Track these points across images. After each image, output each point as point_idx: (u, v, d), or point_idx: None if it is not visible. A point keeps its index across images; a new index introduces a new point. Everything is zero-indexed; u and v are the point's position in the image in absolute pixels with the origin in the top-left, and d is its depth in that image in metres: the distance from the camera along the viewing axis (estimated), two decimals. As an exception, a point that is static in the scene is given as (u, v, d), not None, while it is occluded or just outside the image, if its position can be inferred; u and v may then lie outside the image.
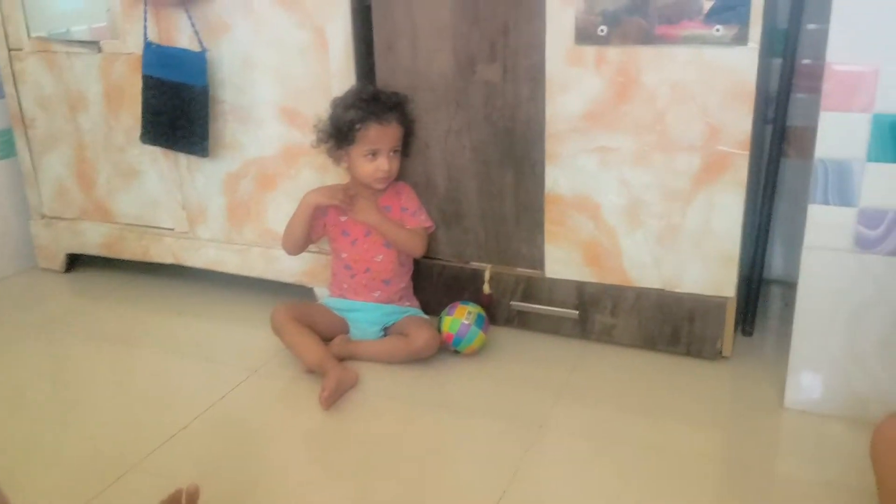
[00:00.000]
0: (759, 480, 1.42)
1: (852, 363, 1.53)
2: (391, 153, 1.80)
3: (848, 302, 1.50)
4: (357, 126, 1.75)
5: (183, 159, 2.08)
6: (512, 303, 1.93)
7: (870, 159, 1.42)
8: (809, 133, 1.47)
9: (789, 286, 1.54)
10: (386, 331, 1.87)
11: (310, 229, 1.86)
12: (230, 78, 1.97)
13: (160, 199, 2.17)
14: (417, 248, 1.89)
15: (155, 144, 2.04)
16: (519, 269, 1.91)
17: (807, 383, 1.58)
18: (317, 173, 1.94)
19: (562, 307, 1.88)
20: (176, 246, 2.19)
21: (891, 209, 1.43)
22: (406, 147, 1.86)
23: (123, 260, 2.30)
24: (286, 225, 1.89)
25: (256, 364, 1.84)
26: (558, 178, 1.78)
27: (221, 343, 1.98)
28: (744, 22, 1.53)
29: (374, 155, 1.78)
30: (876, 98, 1.39)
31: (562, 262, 1.84)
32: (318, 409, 1.64)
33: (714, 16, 1.55)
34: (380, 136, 1.77)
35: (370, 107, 1.76)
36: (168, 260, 2.22)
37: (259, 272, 2.11)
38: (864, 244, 1.46)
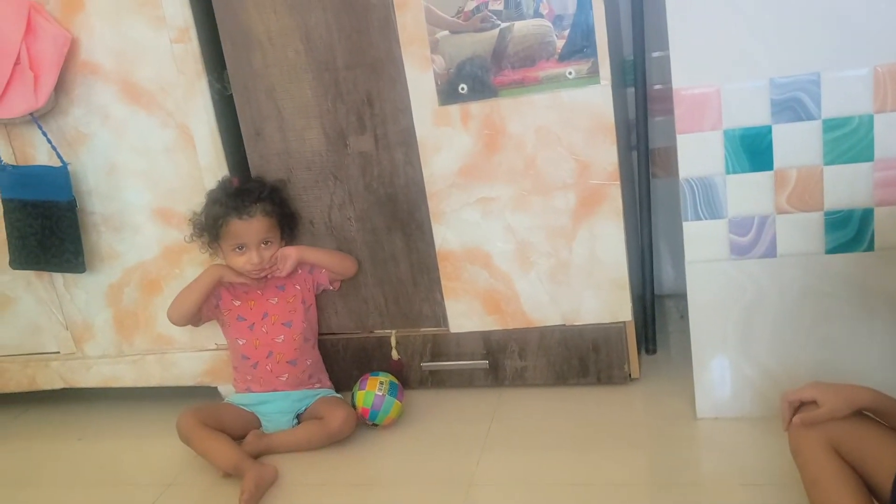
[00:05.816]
0: (687, 495, 1.45)
1: (749, 364, 1.60)
2: (261, 245, 1.77)
3: (735, 308, 1.57)
4: (220, 222, 1.74)
5: (59, 278, 1.99)
6: (422, 364, 1.92)
7: (728, 172, 1.51)
8: (673, 152, 1.54)
9: (682, 298, 1.59)
10: (299, 418, 1.82)
11: (203, 303, 1.81)
12: (97, 188, 1.90)
13: (40, 322, 2.05)
14: (350, 264, 1.86)
15: (26, 268, 1.93)
16: (424, 329, 1.91)
17: (713, 392, 1.64)
18: (202, 269, 1.89)
19: (471, 359, 1.89)
20: (64, 369, 2.08)
21: (756, 214, 1.52)
22: (289, 230, 1.85)
23: (8, 394, 2.15)
24: (178, 294, 1.81)
25: (169, 478, 1.75)
26: (446, 235, 1.80)
27: (129, 462, 1.87)
28: (593, 61, 1.61)
29: (242, 249, 1.76)
30: (723, 115, 1.49)
31: (464, 315, 1.85)
32: (241, 514, 1.57)
33: (566, 58, 1.62)
34: (244, 230, 1.75)
35: (232, 202, 1.74)
36: (58, 385, 2.09)
37: (158, 381, 2.02)
38: (738, 251, 1.55)
